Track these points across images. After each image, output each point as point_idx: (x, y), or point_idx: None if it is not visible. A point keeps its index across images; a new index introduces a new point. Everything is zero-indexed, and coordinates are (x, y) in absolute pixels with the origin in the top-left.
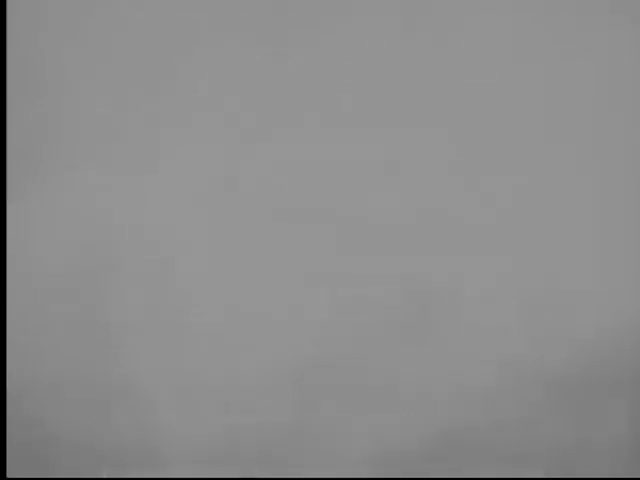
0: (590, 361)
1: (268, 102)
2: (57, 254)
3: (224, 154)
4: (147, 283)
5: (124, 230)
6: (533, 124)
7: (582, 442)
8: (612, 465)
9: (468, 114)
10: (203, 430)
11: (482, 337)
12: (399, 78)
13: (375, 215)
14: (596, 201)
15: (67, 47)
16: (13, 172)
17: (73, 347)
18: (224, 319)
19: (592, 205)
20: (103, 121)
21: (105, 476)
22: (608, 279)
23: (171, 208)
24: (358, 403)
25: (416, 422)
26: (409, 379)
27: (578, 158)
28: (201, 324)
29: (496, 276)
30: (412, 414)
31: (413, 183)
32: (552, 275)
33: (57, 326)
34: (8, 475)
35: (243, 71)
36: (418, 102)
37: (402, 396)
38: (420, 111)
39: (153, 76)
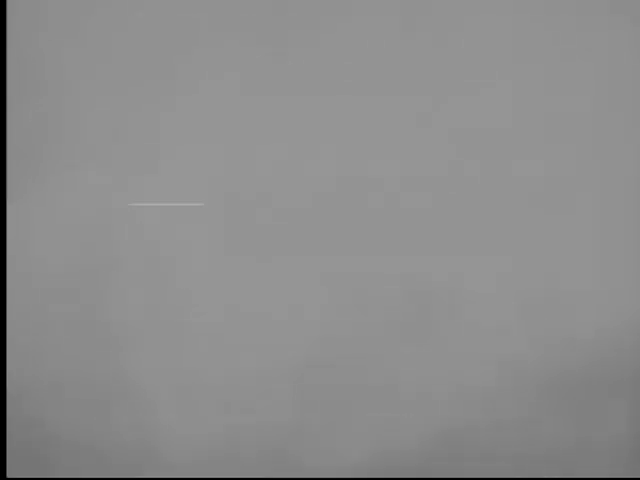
0: (590, 361)
1: (268, 102)
2: (57, 254)
3: (224, 154)
4: (147, 283)
5: (124, 230)
6: (533, 124)
7: (582, 442)
8: (612, 465)
9: (468, 114)
10: (203, 430)
11: (482, 337)
12: (399, 78)
13: (375, 215)
14: (596, 201)
15: (67, 47)
16: (13, 172)
17: (73, 347)
18: (224, 319)
19: (592, 205)
20: (103, 121)
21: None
22: (608, 279)
23: (171, 208)
24: (358, 403)
25: (416, 422)
26: (409, 379)
27: (578, 158)
28: (201, 324)
29: (496, 276)
30: (412, 414)
31: (413, 183)
32: (552, 275)
33: (57, 326)
34: (8, 475)
35: (243, 71)
36: (418, 102)
37: (402, 396)
38: (420, 111)
39: (153, 76)
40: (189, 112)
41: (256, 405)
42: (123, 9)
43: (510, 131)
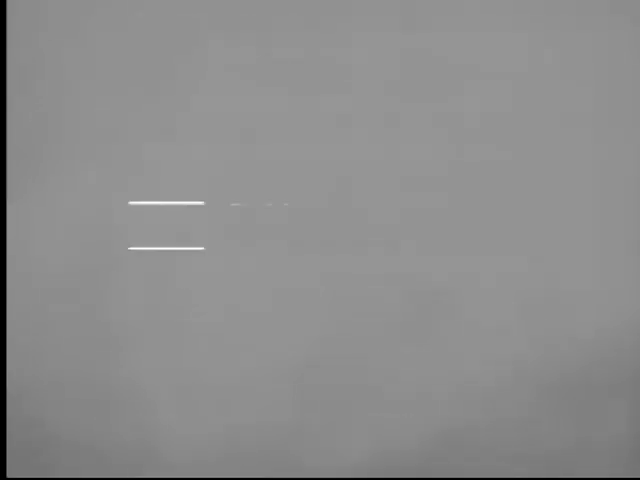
0: (590, 361)
1: (268, 102)
2: (57, 254)
3: (223, 154)
4: (147, 283)
5: (124, 230)
6: (533, 124)
7: (582, 442)
8: (612, 465)
9: (467, 114)
10: (203, 430)
11: (482, 337)
12: (399, 78)
13: (375, 215)
14: (596, 201)
15: (67, 47)
16: (13, 172)
17: (73, 347)
18: (224, 319)
19: (592, 205)
20: (103, 121)
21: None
22: (608, 279)
23: (171, 208)
24: (358, 403)
25: (416, 422)
26: (409, 379)
27: (578, 158)
28: (201, 324)
29: (496, 276)
30: (412, 414)
31: (413, 183)
32: (552, 275)
33: (57, 326)
34: (8, 475)
35: (243, 71)
36: (418, 102)
37: (402, 396)
38: (420, 111)
39: (153, 76)
40: (189, 112)
41: (256, 405)
42: (123, 9)
43: (510, 131)
